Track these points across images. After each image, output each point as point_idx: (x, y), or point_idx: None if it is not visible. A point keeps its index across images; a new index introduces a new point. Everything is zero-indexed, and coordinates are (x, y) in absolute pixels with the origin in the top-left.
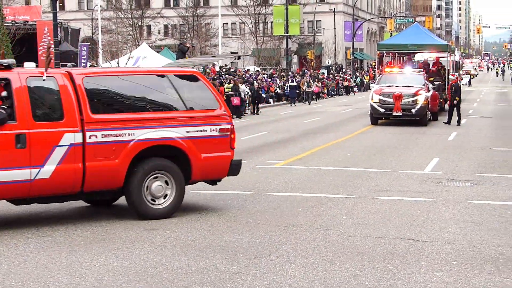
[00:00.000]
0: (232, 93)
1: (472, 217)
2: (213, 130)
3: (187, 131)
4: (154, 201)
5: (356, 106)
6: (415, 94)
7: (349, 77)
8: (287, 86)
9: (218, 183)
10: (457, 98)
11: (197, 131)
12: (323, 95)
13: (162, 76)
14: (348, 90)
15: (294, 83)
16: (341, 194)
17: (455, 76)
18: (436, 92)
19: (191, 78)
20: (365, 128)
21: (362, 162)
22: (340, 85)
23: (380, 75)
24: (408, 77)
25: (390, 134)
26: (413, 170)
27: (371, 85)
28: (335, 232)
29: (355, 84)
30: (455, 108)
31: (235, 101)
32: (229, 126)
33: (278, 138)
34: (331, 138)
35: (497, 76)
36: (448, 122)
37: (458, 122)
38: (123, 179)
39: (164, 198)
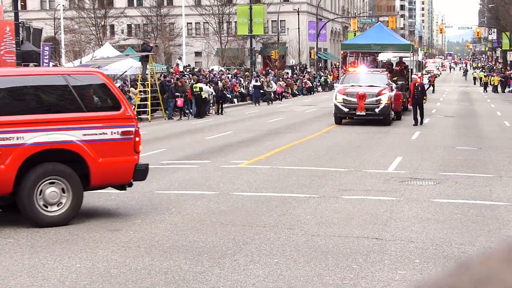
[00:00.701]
0: (201, 92)
1: (434, 215)
2: (115, 133)
3: (84, 134)
4: (47, 207)
5: (320, 106)
6: (379, 94)
7: (304, 79)
8: (251, 86)
9: (129, 187)
10: (425, 98)
11: (95, 134)
12: (287, 95)
13: (59, 76)
14: (311, 90)
15: (258, 83)
16: (305, 194)
17: (418, 75)
18: (400, 92)
19: (92, 78)
20: (329, 127)
21: (326, 161)
22: (303, 85)
23: (344, 75)
24: (372, 76)
25: (354, 133)
26: (377, 169)
27: (335, 84)
28: (299, 232)
29: (319, 83)
30: (418, 108)
31: (179, 102)
32: (132, 129)
33: (242, 138)
34: (295, 138)
35: (465, 76)
36: (416, 123)
37: (421, 121)
38: (12, 185)
39: (58, 206)
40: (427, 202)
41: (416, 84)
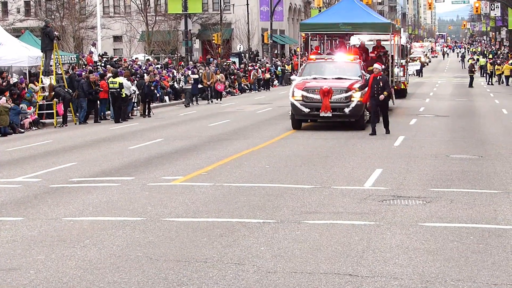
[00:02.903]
0: (122, 90)
1: (424, 244)
2: None
3: None
4: None
5: (276, 104)
6: (349, 89)
7: (257, 70)
8: (181, 80)
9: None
10: (385, 93)
11: None
12: (234, 91)
13: None
14: (266, 84)
15: (196, 76)
16: (258, 218)
17: (397, 64)
18: None
19: None
20: (288, 132)
21: (284, 176)
22: (256, 78)
23: (304, 64)
24: (340, 66)
25: (320, 139)
26: (350, 185)
27: (291, 77)
28: (250, 268)
29: (274, 75)
30: (379, 109)
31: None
32: None
33: (176, 147)
34: (245, 146)
35: (462, 63)
36: (374, 132)
37: (387, 130)
38: None
39: None
40: (415, 226)
41: (377, 78)
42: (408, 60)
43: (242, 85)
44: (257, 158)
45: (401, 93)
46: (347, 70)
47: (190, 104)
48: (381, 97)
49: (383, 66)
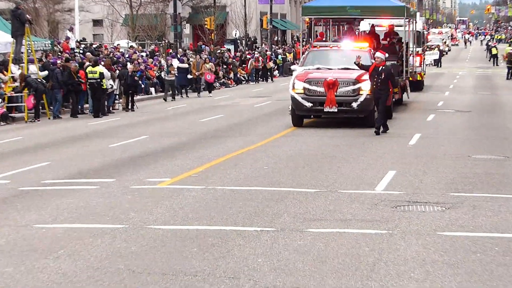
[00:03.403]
0: (102, 80)
1: (443, 256)
2: None
3: None
4: None
5: (276, 97)
6: (358, 81)
7: (255, 58)
8: (163, 71)
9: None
10: (395, 90)
11: None
12: (229, 82)
13: None
14: (265, 75)
15: (185, 65)
16: (255, 226)
17: (412, 53)
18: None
19: None
20: (289, 129)
21: (285, 178)
22: (254, 67)
23: (306, 53)
24: (348, 55)
25: (325, 137)
26: (359, 189)
27: (292, 67)
28: (246, 282)
29: (275, 65)
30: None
31: (32, 100)
32: None
33: (162, 145)
34: (240, 145)
35: (489, 53)
36: (378, 132)
37: (384, 128)
38: None
39: None
40: (433, 236)
41: (379, 68)
42: (425, 48)
43: (238, 75)
44: (254, 158)
45: (417, 86)
46: (354, 58)
47: (176, 97)
48: (394, 97)
49: (386, 55)
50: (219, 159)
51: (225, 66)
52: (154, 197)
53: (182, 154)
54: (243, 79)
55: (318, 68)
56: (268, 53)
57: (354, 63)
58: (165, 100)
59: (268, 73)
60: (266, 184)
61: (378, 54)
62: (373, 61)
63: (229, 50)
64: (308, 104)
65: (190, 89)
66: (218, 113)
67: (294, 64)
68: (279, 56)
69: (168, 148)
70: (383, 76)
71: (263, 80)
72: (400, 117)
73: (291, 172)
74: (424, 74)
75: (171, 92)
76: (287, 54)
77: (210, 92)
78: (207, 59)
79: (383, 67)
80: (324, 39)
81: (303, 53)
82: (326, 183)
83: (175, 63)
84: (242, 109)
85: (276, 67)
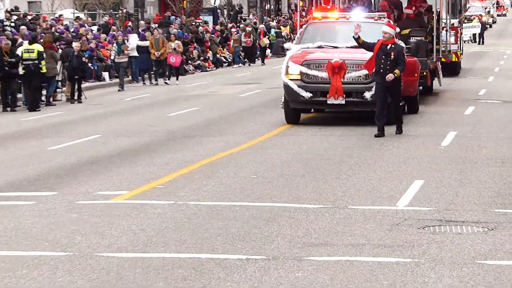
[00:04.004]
0: (41, 63)
1: None
2: None
3: None
4: None
5: (268, 84)
6: None
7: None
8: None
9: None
10: (396, 72)
11: None
12: (207, 64)
13: None
14: (251, 55)
15: (148, 43)
16: (239, 253)
17: (446, 26)
18: (414, 59)
19: None
20: (284, 126)
21: (279, 190)
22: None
23: (305, 26)
24: (359, 29)
25: (330, 137)
26: (375, 204)
27: (285, 45)
28: None
29: (268, 42)
30: (391, 97)
31: None
32: None
33: (119, 147)
34: (221, 146)
35: None
36: (382, 133)
37: (398, 128)
38: None
39: None
40: (471, 265)
41: (388, 47)
42: (463, 19)
43: (219, 56)
44: (238, 164)
45: (452, 69)
46: (369, 34)
47: (138, 83)
48: (389, 77)
49: (397, 30)
50: (193, 165)
51: (200, 44)
52: (107, 216)
53: (145, 159)
54: (224, 60)
55: (320, 47)
56: (261, 26)
57: (353, 37)
58: (122, 88)
59: (258, 53)
60: (254, 199)
61: (385, 28)
62: (395, 36)
63: (206, 22)
64: (307, 94)
65: (156, 72)
66: (191, 106)
67: (289, 41)
68: (272, 31)
69: (126, 152)
70: (392, 56)
71: (251, 62)
72: (428, 111)
73: (287, 183)
74: (461, 54)
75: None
76: (282, 27)
77: (177, 78)
78: (172, 36)
79: (393, 46)
80: (329, 6)
81: (301, 27)
82: (333, 197)
83: (133, 40)
84: (223, 100)
85: (269, 45)
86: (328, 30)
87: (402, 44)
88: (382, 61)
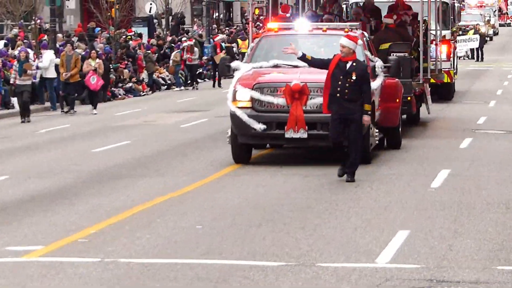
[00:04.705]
0: None
1: None
2: None
3: None
4: None
5: (216, 112)
6: None
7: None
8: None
9: None
10: (366, 107)
11: None
12: (141, 87)
13: None
14: (198, 75)
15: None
16: None
17: (435, 39)
18: (396, 80)
19: None
20: (235, 165)
21: (230, 244)
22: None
23: (257, 40)
24: (325, 43)
25: (294, 177)
26: (350, 260)
27: (233, 64)
28: None
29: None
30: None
31: None
32: None
33: (31, 190)
34: (158, 189)
35: None
36: (342, 173)
37: (351, 167)
38: None
39: None
40: None
41: (347, 65)
42: (457, 31)
43: (155, 77)
44: (179, 212)
45: (444, 92)
46: (337, 50)
47: (56, 109)
48: (365, 119)
49: (360, 42)
50: (123, 213)
51: (133, 62)
52: (16, 277)
53: (64, 206)
54: (163, 82)
55: (275, 66)
56: (218, 38)
57: (297, 58)
58: (25, 119)
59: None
60: (198, 255)
61: (343, 40)
62: (368, 52)
63: (140, 35)
64: (259, 126)
65: (78, 99)
66: (122, 139)
67: (236, 59)
68: (222, 45)
69: (41, 196)
70: (353, 77)
71: (195, 84)
72: (415, 145)
73: (240, 234)
74: (456, 74)
75: (22, 105)
76: (240, 41)
77: (94, 106)
78: (93, 52)
79: (353, 63)
80: (289, 14)
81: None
82: (297, 252)
83: (48, 56)
84: (160, 132)
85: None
86: (286, 45)
87: (365, 64)
88: (340, 82)
